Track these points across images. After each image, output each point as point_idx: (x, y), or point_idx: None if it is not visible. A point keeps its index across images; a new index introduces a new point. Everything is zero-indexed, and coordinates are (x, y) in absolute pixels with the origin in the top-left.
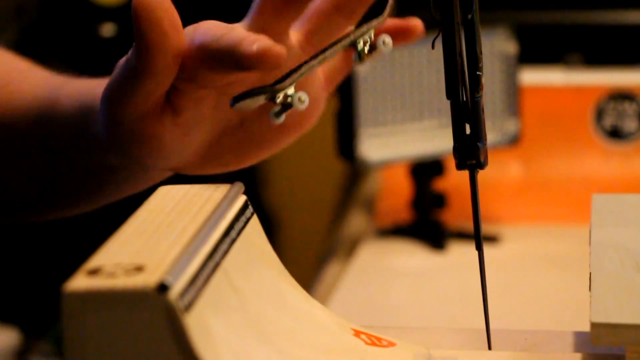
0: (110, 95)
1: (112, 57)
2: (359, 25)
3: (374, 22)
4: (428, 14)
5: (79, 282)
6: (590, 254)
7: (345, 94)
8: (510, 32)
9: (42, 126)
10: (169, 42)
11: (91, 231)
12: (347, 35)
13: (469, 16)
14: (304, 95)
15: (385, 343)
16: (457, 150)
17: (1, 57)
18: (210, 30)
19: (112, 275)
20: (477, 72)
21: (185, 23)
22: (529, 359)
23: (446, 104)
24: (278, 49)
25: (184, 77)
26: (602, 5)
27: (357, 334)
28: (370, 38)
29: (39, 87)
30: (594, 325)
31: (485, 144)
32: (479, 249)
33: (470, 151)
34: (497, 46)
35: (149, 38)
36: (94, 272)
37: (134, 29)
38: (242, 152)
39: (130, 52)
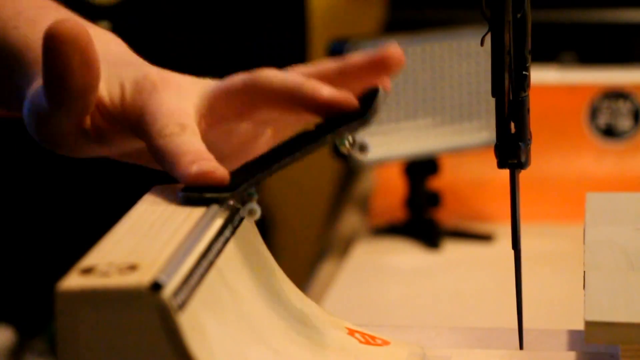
0: (29, 113)
1: None
2: (335, 123)
3: (356, 125)
4: (426, 13)
5: (73, 281)
6: (584, 252)
7: None
8: None
9: None
10: (75, 79)
11: (85, 230)
12: (325, 138)
13: (519, 15)
14: (256, 208)
15: (379, 342)
16: (498, 148)
17: None
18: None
19: (105, 274)
20: (524, 72)
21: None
22: (523, 358)
23: (441, 103)
24: (219, 173)
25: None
26: (596, 4)
27: (352, 332)
28: (349, 140)
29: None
30: (588, 323)
31: (528, 144)
32: (515, 248)
33: (511, 150)
34: None
35: (53, 72)
36: (87, 271)
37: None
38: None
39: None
